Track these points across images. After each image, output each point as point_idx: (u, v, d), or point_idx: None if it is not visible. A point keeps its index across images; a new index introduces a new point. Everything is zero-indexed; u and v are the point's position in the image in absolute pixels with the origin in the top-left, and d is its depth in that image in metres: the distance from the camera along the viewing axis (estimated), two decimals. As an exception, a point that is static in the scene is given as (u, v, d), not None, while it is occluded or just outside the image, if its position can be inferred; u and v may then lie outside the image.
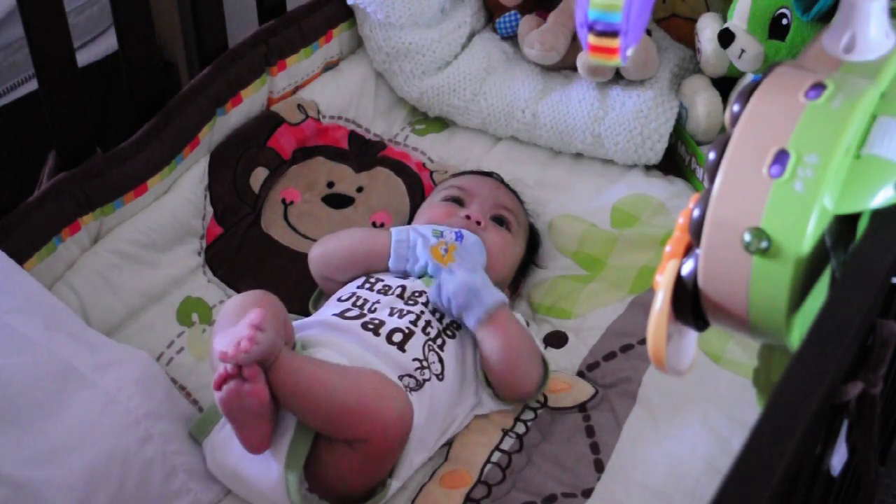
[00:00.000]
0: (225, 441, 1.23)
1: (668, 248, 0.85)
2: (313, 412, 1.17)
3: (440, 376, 1.28)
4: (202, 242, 1.58)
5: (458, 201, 1.50)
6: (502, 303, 1.32)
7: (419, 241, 1.39)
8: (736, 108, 0.82)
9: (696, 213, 0.81)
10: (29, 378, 1.17)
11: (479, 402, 1.34)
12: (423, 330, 1.30)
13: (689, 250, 0.84)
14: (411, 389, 1.25)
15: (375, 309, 1.32)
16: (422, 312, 1.32)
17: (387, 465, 1.21)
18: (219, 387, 1.13)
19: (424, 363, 1.27)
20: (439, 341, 1.31)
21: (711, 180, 0.80)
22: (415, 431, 1.22)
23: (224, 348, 1.13)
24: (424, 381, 1.26)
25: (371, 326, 1.29)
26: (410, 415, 1.21)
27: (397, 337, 1.28)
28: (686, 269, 0.83)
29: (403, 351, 1.27)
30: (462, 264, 1.37)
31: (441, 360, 1.29)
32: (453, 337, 1.33)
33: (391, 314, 1.31)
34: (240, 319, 1.18)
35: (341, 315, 1.32)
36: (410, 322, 1.30)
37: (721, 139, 0.81)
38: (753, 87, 0.82)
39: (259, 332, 1.13)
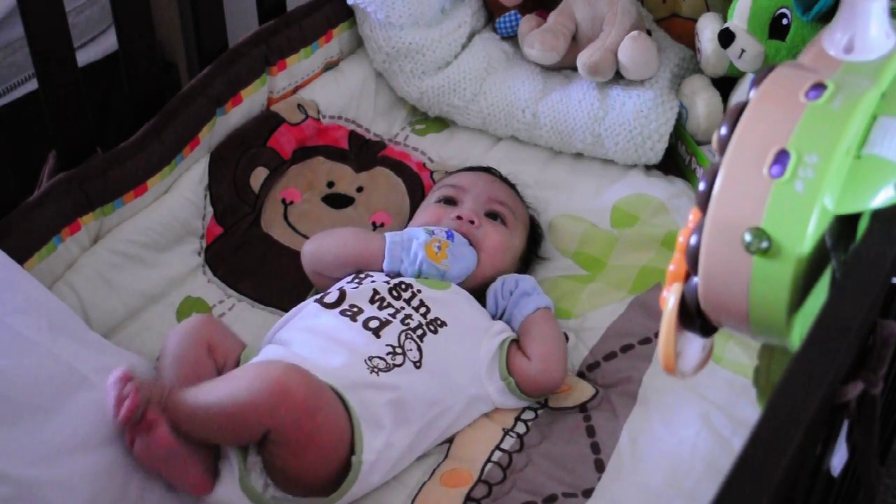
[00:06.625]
0: None
1: (671, 268, 0.85)
2: (215, 430, 1.17)
3: (417, 364, 1.28)
4: (202, 242, 1.58)
5: (451, 201, 1.51)
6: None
7: (413, 241, 1.40)
8: (723, 130, 0.81)
9: (694, 241, 0.81)
10: (31, 379, 1.17)
11: (485, 394, 1.33)
12: (402, 321, 1.31)
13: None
14: (380, 370, 1.25)
15: (361, 305, 1.33)
16: (402, 308, 1.33)
17: (322, 440, 1.17)
18: (131, 447, 1.16)
19: (399, 350, 1.28)
20: (419, 332, 1.31)
21: (703, 209, 0.80)
22: (370, 407, 1.21)
23: (116, 419, 1.15)
24: (395, 365, 1.26)
25: (349, 313, 1.31)
26: (296, 381, 1.16)
27: (374, 324, 1.30)
28: (689, 286, 0.83)
29: (378, 337, 1.28)
30: (455, 262, 1.39)
31: (420, 349, 1.29)
32: (435, 333, 1.33)
33: (372, 301, 1.33)
34: (181, 351, 1.26)
35: (321, 301, 1.34)
36: (389, 315, 1.31)
37: (710, 171, 0.81)
38: (741, 108, 0.82)
39: (128, 382, 1.15)
